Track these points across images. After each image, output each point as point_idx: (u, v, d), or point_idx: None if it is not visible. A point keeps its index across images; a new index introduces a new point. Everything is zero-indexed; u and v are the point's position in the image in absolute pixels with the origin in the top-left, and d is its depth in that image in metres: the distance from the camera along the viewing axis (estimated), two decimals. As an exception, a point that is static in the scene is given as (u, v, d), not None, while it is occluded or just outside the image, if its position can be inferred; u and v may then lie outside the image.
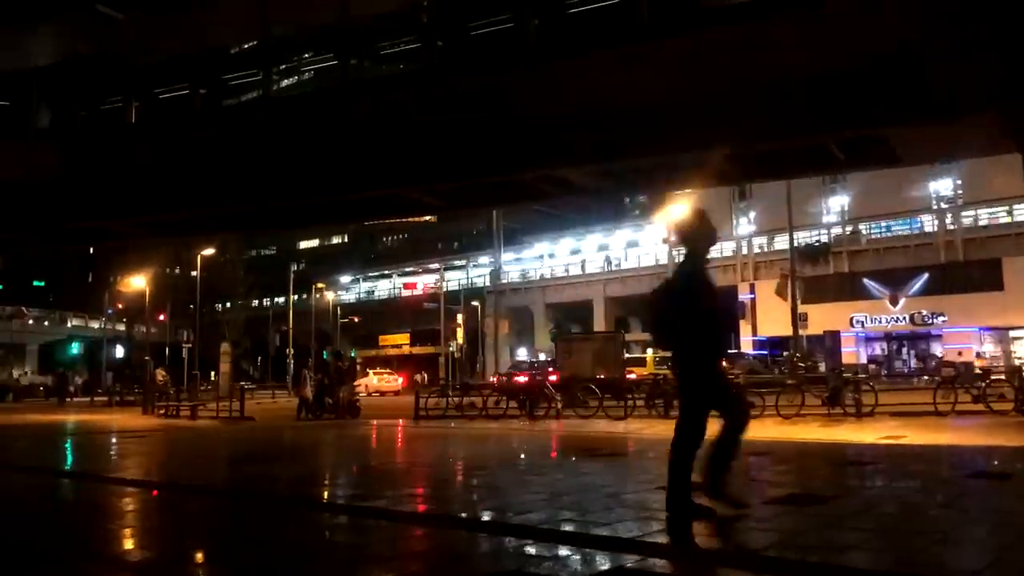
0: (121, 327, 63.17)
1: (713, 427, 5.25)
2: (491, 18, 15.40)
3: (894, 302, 42.87)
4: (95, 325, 65.92)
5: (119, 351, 61.65)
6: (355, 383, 23.06)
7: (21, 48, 19.15)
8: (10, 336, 61.18)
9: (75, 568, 4.63)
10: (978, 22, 11.39)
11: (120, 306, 60.74)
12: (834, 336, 20.65)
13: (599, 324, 52.13)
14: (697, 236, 5.53)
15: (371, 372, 48.25)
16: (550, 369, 27.05)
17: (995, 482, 7.04)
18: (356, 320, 62.61)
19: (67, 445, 14.71)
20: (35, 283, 70.85)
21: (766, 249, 47.41)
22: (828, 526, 5.11)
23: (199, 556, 5.04)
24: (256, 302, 63.01)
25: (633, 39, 13.29)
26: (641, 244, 55.54)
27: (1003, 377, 17.42)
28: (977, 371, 19.29)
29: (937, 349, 41.57)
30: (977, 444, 10.44)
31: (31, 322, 63.78)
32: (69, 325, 66.56)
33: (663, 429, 14.20)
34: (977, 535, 4.97)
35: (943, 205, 43.44)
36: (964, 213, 42.51)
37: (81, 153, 18.93)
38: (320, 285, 61.99)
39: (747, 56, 12.78)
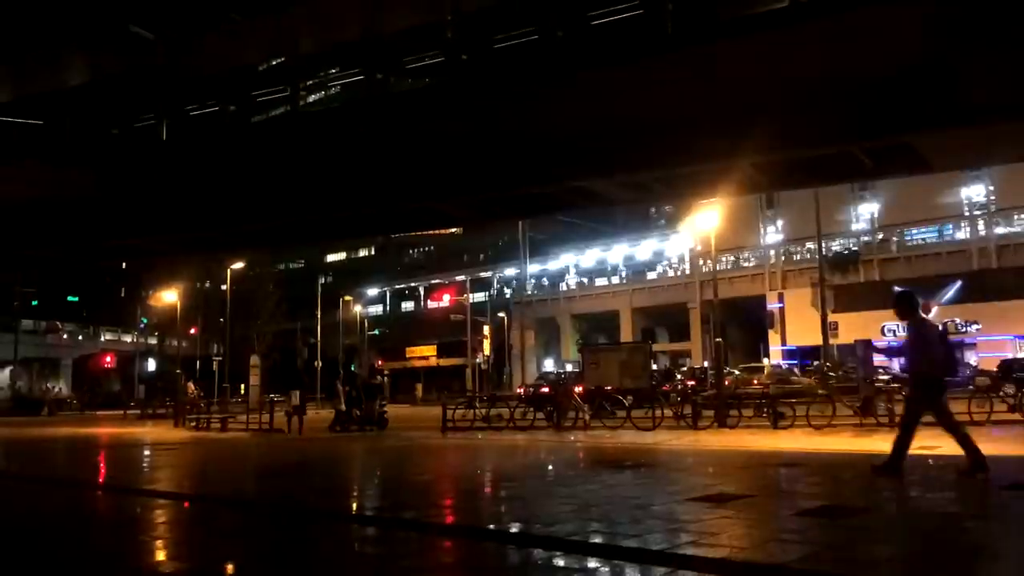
0: (153, 341, 64.03)
1: None
2: (515, 31, 15.48)
3: (927, 310, 41.99)
4: (128, 339, 66.89)
5: (151, 365, 62.51)
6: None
7: (55, 69, 19.59)
8: (45, 351, 62.26)
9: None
10: (1010, 29, 11.24)
11: (153, 320, 61.62)
12: (865, 345, 20.35)
13: (626, 335, 51.91)
14: None
15: None
16: (577, 380, 26.97)
17: (1033, 493, 6.89)
18: (384, 332, 62.94)
19: (100, 458, 14.92)
20: (69, 298, 72.06)
21: (795, 258, 46.96)
22: (861, 539, 5.05)
23: (230, 568, 5.09)
24: (284, 315, 63.65)
25: (657, 50, 13.30)
26: (667, 254, 55.29)
27: None
28: None
29: (972, 358, 40.85)
30: (1014, 454, 10.24)
31: (65, 336, 64.87)
32: (102, 339, 67.62)
33: (691, 440, 14.11)
34: (1014, 548, 4.88)
35: (976, 212, 42.76)
36: (997, 219, 41.82)
37: (114, 171, 19.27)
38: (348, 298, 62.41)
39: (772, 66, 12.72)
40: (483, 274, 67.88)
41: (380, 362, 54.80)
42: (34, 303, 69.16)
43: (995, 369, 26.31)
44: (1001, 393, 16.40)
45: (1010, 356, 34.29)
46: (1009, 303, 38.94)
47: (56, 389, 57.30)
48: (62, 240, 21.97)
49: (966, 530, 5.39)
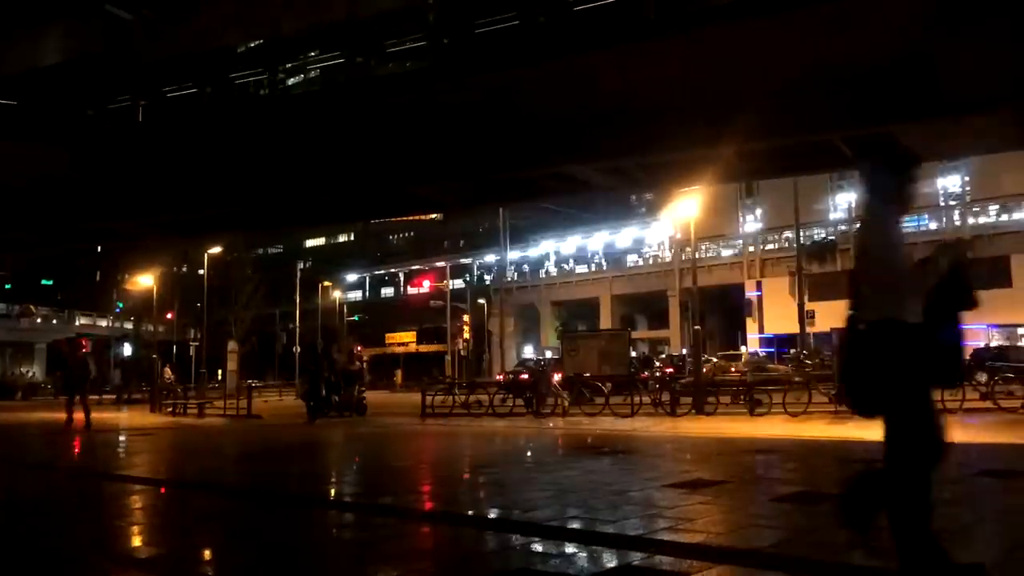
0: (129, 326, 63.39)
1: None
2: (497, 16, 15.40)
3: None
4: (103, 324, 66.17)
5: (127, 349, 61.90)
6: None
7: (29, 49, 19.25)
8: (18, 335, 61.42)
9: (87, 565, 4.66)
10: (990, 20, 11.32)
11: (128, 304, 61.00)
12: (842, 333, 20.49)
13: (606, 322, 52.11)
14: None
15: None
16: (556, 367, 27.02)
17: (1004, 480, 7.01)
18: (363, 318, 62.71)
19: (75, 442, 14.77)
20: (43, 282, 71.09)
21: (773, 246, 47.29)
22: (835, 524, 5.10)
23: (207, 553, 5.06)
24: (263, 300, 63.32)
25: (640, 36, 13.29)
26: (648, 241, 55.45)
27: None
28: None
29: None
30: (985, 441, 10.40)
31: (39, 320, 64.00)
32: (77, 324, 66.76)
33: (669, 427, 14.21)
34: (985, 533, 4.96)
35: (951, 202, 43.24)
36: (972, 209, 42.33)
37: (90, 153, 19.00)
38: (327, 283, 62.08)
39: (754, 54, 12.74)
40: (463, 260, 67.78)
41: (359, 348, 54.57)
42: (7, 286, 68.20)
43: (968, 358, 26.69)
44: (974, 382, 16.62)
45: (983, 345, 34.80)
46: (982, 293, 39.31)
47: (30, 374, 56.61)
48: (37, 222, 21.64)
49: (938, 515, 5.46)
